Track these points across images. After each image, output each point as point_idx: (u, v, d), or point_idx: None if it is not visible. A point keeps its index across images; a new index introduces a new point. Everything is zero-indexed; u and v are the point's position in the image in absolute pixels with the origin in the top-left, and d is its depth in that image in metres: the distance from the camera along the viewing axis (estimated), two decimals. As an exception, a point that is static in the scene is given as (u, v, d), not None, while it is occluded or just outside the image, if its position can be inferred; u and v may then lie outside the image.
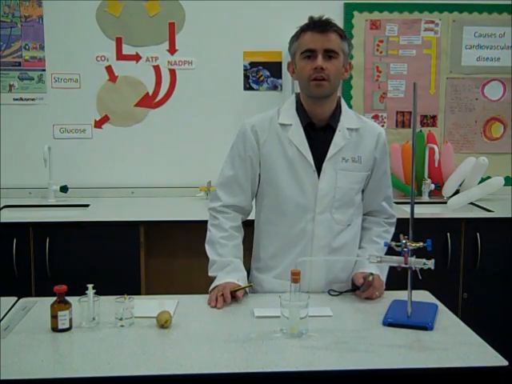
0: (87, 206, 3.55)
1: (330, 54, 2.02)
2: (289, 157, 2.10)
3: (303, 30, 2.06)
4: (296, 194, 2.11)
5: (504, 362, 1.61)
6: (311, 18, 2.07)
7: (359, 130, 2.14)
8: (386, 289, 2.12)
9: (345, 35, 2.07)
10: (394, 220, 2.28)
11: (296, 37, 2.08)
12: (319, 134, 2.11)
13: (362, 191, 2.21)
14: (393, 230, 2.26)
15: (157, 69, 3.73)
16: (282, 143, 2.11)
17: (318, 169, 2.09)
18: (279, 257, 2.17)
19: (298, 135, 2.10)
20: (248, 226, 2.26)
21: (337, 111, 2.13)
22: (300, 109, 2.13)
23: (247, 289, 2.09)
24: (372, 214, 2.26)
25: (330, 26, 2.04)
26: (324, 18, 2.07)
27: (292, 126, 2.11)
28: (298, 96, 2.17)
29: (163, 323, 1.80)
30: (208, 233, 2.20)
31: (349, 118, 2.15)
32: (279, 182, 2.12)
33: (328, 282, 2.15)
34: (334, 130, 2.11)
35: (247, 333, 1.78)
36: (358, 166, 2.13)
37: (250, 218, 2.26)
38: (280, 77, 3.76)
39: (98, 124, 3.75)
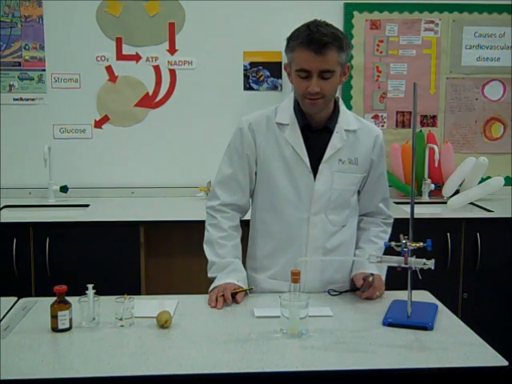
0: (87, 206, 3.55)
1: (325, 74, 1.95)
2: (285, 157, 2.09)
3: (298, 45, 1.94)
4: (291, 194, 2.10)
5: (504, 362, 1.61)
6: (309, 30, 1.93)
7: (357, 132, 2.13)
8: (386, 289, 2.12)
9: (342, 46, 1.95)
10: (391, 220, 2.28)
11: (291, 47, 1.98)
12: (316, 135, 2.10)
13: (358, 192, 2.21)
14: (390, 230, 2.26)
15: (157, 69, 3.73)
16: (278, 143, 2.10)
17: (314, 170, 2.08)
18: (274, 257, 2.16)
19: (294, 136, 2.09)
20: (246, 225, 2.26)
21: (334, 113, 2.11)
22: (297, 109, 2.11)
23: (247, 290, 2.08)
24: (369, 215, 2.26)
25: (326, 45, 1.91)
26: (322, 30, 1.92)
27: (289, 126, 2.10)
28: (295, 96, 2.15)
29: (163, 323, 1.80)
30: (206, 233, 2.19)
31: (346, 119, 2.13)
32: (275, 182, 2.11)
33: (323, 283, 2.15)
34: (331, 132, 2.10)
35: (247, 333, 1.78)
36: (355, 167, 2.12)
37: (246, 217, 2.26)
38: (280, 77, 3.76)
39: (98, 124, 3.75)
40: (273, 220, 2.14)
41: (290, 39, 2.01)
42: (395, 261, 1.82)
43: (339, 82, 2.04)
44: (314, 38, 1.91)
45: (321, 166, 2.09)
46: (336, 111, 2.12)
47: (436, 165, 3.67)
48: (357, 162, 2.12)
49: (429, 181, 3.74)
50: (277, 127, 2.11)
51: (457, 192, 3.71)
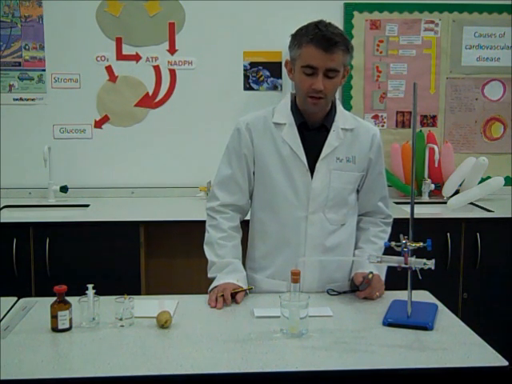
0: (87, 206, 3.55)
1: (330, 73, 1.97)
2: (282, 156, 2.10)
3: (308, 41, 1.96)
4: (289, 193, 2.10)
5: (504, 362, 1.61)
6: (317, 28, 1.96)
7: (354, 131, 2.13)
8: (386, 289, 2.12)
9: (348, 48, 1.99)
10: (391, 220, 2.28)
11: (299, 43, 1.99)
12: (313, 134, 2.11)
13: (357, 191, 2.21)
14: (389, 229, 2.26)
15: (157, 69, 3.73)
16: (275, 142, 2.11)
17: (312, 169, 2.09)
18: (272, 256, 2.16)
19: (291, 135, 2.09)
20: (247, 226, 2.26)
21: (331, 112, 2.12)
22: (294, 108, 2.12)
23: (247, 290, 2.08)
24: (368, 215, 2.26)
25: (335, 44, 1.94)
26: (330, 29, 1.96)
27: (286, 126, 2.10)
28: (293, 95, 2.15)
29: (163, 323, 1.80)
30: (206, 234, 2.19)
31: (343, 118, 2.14)
32: (272, 181, 2.11)
33: (322, 283, 2.14)
34: (328, 130, 2.10)
35: (247, 333, 1.78)
36: (352, 166, 2.12)
37: (246, 218, 2.26)
38: (280, 77, 3.76)
39: (98, 124, 3.75)
40: (270, 220, 2.15)
41: (296, 35, 2.02)
42: (395, 261, 1.82)
43: (339, 84, 2.06)
44: (325, 36, 1.95)
45: (318, 165, 2.09)
46: (333, 110, 2.13)
47: (436, 165, 3.67)
48: (354, 160, 2.12)
49: (429, 181, 3.74)
50: (274, 127, 2.12)
51: (457, 192, 3.71)
